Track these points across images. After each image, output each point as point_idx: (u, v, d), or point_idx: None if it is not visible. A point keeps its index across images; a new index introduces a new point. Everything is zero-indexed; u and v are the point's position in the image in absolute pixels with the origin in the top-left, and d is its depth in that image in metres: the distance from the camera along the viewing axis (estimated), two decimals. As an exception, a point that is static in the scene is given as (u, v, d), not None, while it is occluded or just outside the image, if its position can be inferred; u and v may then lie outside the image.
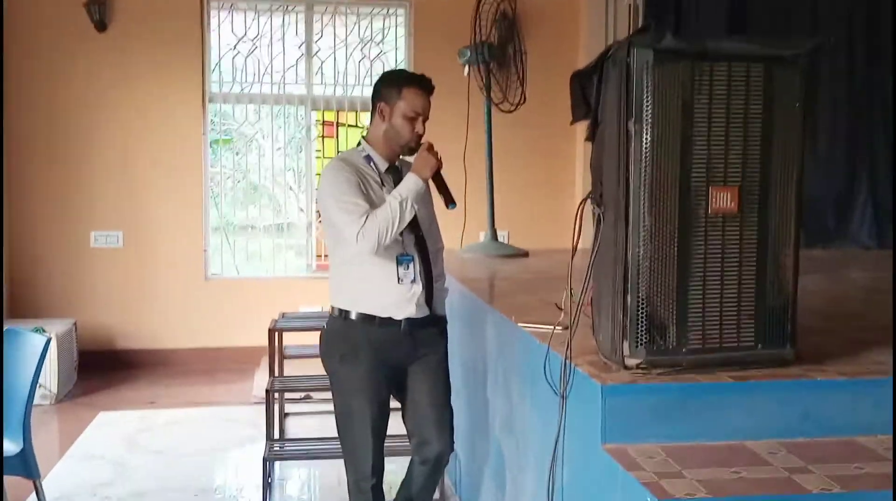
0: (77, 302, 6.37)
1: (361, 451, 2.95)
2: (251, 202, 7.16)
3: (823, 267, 4.73)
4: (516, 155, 6.42)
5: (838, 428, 2.16)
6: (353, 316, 2.92)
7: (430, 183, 2.95)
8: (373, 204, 2.84)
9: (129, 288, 6.49)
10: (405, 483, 3.24)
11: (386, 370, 2.96)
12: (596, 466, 2.12)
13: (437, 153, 2.89)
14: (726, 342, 2.21)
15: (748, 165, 2.17)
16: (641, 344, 2.16)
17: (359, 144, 3.05)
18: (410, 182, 2.83)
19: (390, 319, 2.91)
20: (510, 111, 5.24)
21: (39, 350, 3.21)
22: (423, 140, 2.93)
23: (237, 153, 7.09)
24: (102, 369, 6.25)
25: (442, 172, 2.93)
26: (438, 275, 3.09)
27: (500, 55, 5.22)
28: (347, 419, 2.97)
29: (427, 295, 2.97)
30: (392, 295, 2.90)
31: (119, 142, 6.42)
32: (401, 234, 2.86)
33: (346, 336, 2.95)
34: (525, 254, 5.24)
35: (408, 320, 2.92)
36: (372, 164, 2.96)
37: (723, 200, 2.16)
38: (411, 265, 2.91)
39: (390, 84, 2.96)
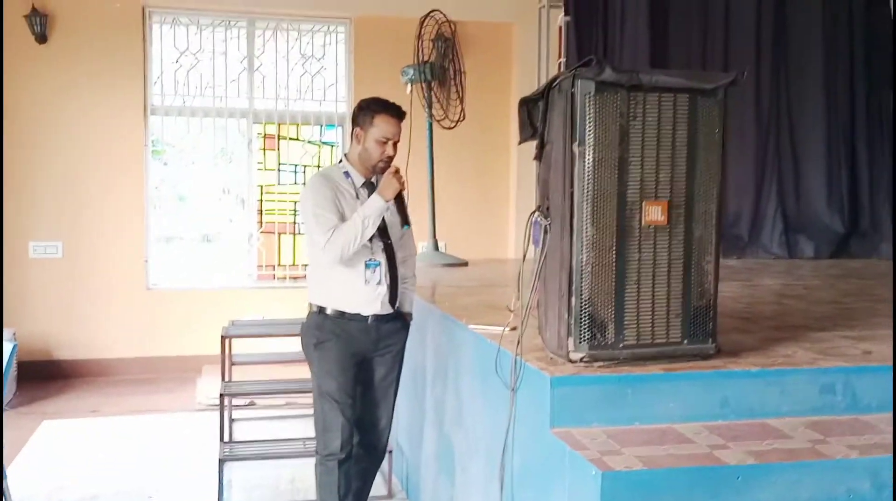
0: (15, 313, 6.34)
1: (332, 427, 3.25)
2: (190, 214, 7.22)
3: (739, 275, 5.14)
4: (456, 170, 6.66)
5: (752, 412, 2.47)
6: (328, 311, 3.26)
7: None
8: (346, 216, 3.14)
9: (68, 298, 6.50)
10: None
11: (354, 357, 3.27)
12: (545, 448, 2.37)
13: (401, 178, 3.19)
14: (657, 338, 2.50)
15: (675, 183, 2.47)
16: (584, 340, 2.43)
17: (340, 161, 3.36)
18: (373, 202, 3.13)
19: (359, 314, 3.23)
20: (450, 128, 5.51)
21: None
22: (392, 163, 3.22)
23: (167, 165, 7.14)
24: (42, 378, 6.25)
25: (404, 193, 3.23)
26: (405, 277, 3.39)
27: (440, 74, 5.47)
28: (321, 400, 3.28)
29: (392, 295, 3.29)
30: (360, 295, 3.23)
31: (60, 153, 6.43)
32: (370, 242, 3.16)
33: (321, 327, 3.27)
34: (465, 263, 5.51)
35: (374, 316, 3.24)
36: (350, 179, 3.26)
37: (654, 213, 2.45)
38: (377, 270, 3.23)
39: (365, 111, 3.25)
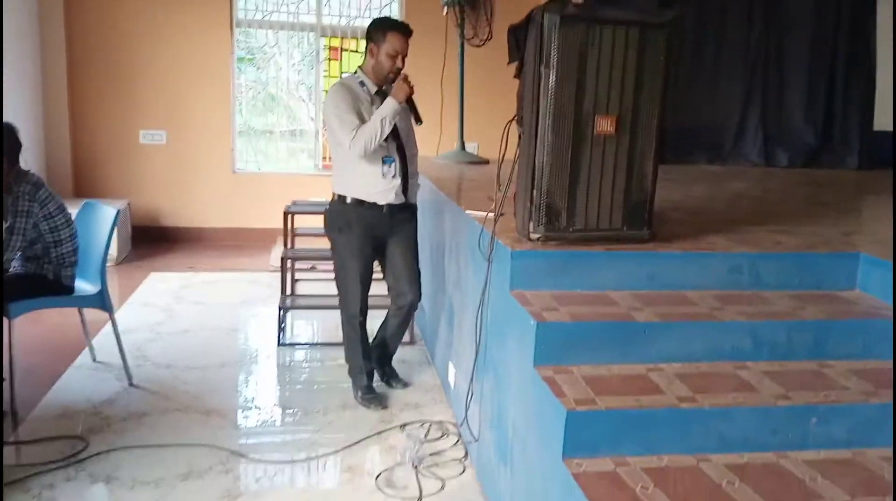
0: (130, 187, 6.77)
1: (352, 296, 3.50)
2: (269, 111, 7.46)
3: (714, 179, 5.19)
4: (485, 83, 6.65)
5: (673, 285, 2.66)
6: (348, 200, 3.41)
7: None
8: (363, 118, 3.26)
9: (171, 177, 6.88)
10: (382, 327, 3.80)
11: (371, 239, 3.46)
12: (505, 305, 2.61)
13: (410, 83, 3.28)
14: (601, 225, 2.67)
15: (624, 100, 2.58)
16: (542, 224, 2.62)
17: (356, 71, 3.44)
18: (388, 104, 3.24)
19: (375, 203, 3.39)
20: (479, 46, 5.51)
21: (111, 218, 3.64)
22: (401, 73, 3.31)
23: (258, 69, 7.34)
24: (151, 241, 6.72)
25: (414, 97, 3.33)
26: (413, 173, 3.53)
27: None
28: (343, 272, 3.51)
29: (403, 187, 3.44)
30: (378, 186, 3.38)
31: (163, 59, 6.67)
32: (385, 141, 3.29)
33: (343, 214, 3.44)
34: (486, 162, 5.65)
35: (388, 205, 3.41)
36: (365, 87, 3.37)
37: (605, 124, 2.58)
38: (393, 165, 3.37)
39: (378, 28, 3.32)
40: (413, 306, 3.71)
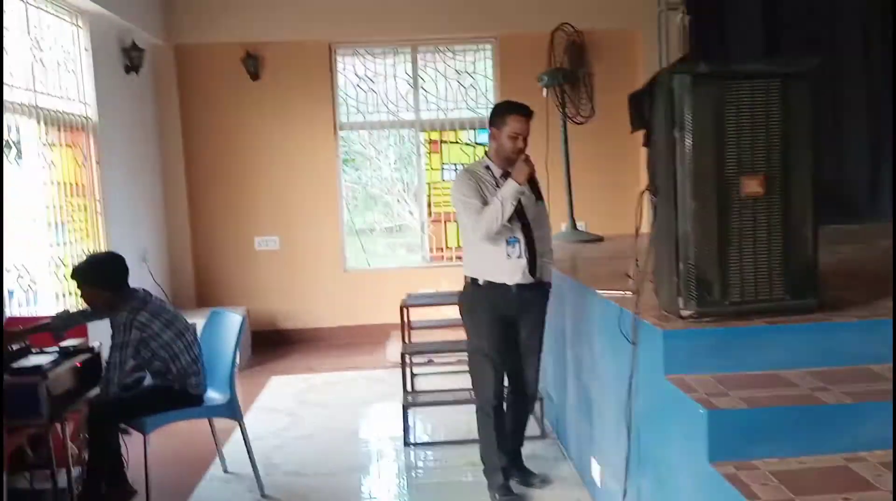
0: (247, 293, 6.92)
1: (486, 379, 3.35)
2: (368, 209, 7.54)
3: (857, 239, 4.76)
4: (590, 159, 6.54)
5: (854, 359, 2.33)
6: (479, 282, 3.34)
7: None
8: (487, 201, 3.21)
9: (286, 281, 6.99)
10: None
11: (500, 319, 3.33)
12: (661, 393, 2.35)
13: (531, 163, 3.21)
14: (761, 295, 2.41)
15: (771, 157, 2.36)
16: (693, 299, 2.39)
17: (482, 157, 3.42)
18: (508, 186, 3.18)
19: (504, 284, 3.29)
20: (582, 123, 5.44)
21: (237, 326, 3.65)
22: (523, 153, 3.24)
23: (358, 170, 7.50)
24: (270, 344, 6.79)
25: (536, 176, 3.25)
26: (544, 252, 3.40)
27: (571, 78, 5.41)
28: (475, 357, 3.39)
29: (531, 267, 3.31)
30: (504, 266, 3.29)
31: (272, 165, 6.91)
32: (509, 222, 3.21)
33: (474, 296, 3.37)
34: (600, 239, 5.45)
35: (517, 285, 3.29)
36: (490, 171, 3.33)
37: (753, 185, 2.37)
38: (517, 245, 3.27)
39: (499, 112, 3.31)
40: (534, 397, 3.59)
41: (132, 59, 5.92)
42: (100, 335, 3.80)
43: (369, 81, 7.09)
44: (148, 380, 3.54)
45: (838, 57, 5.66)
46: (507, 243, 3.26)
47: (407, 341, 5.06)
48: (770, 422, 2.01)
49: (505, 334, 3.36)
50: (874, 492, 1.77)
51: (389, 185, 7.41)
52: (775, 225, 2.40)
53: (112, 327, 3.33)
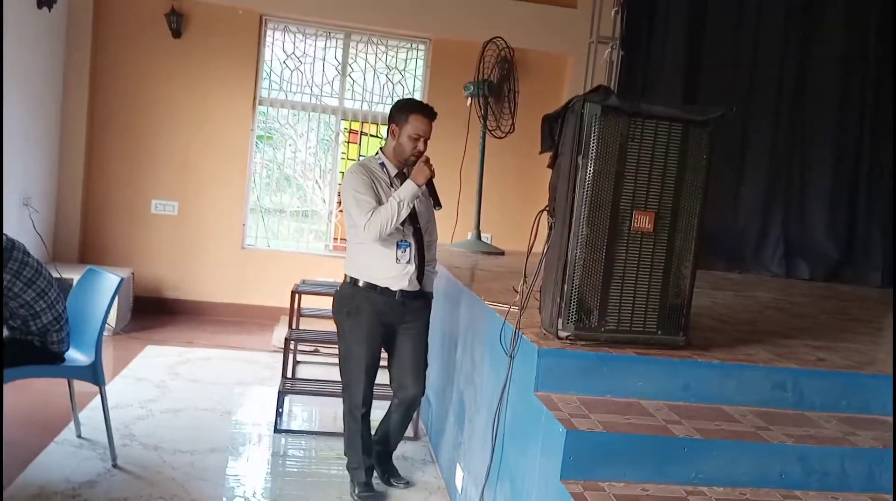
0: (136, 256, 6.65)
1: (356, 386, 3.26)
2: (281, 190, 7.40)
3: (736, 286, 5.04)
4: (503, 174, 6.68)
5: (710, 398, 2.46)
6: (360, 284, 3.22)
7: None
8: (381, 200, 3.12)
9: (179, 249, 6.77)
10: (384, 420, 3.56)
11: (381, 327, 3.26)
12: (528, 407, 2.41)
13: (431, 166, 3.16)
14: (635, 326, 2.49)
15: (663, 197, 2.46)
16: (571, 322, 2.45)
17: (376, 153, 3.32)
18: (407, 187, 3.11)
19: (388, 289, 3.21)
20: (501, 138, 5.51)
21: (113, 287, 3.47)
22: (423, 155, 3.20)
23: (275, 149, 7.34)
24: (152, 312, 6.54)
25: (434, 181, 3.21)
26: (430, 260, 3.36)
27: (497, 91, 5.48)
28: (348, 361, 3.28)
29: (418, 275, 3.26)
30: (391, 271, 3.20)
31: (181, 130, 6.69)
32: (402, 225, 3.14)
33: (353, 297, 3.25)
34: (501, 253, 5.54)
35: (401, 291, 3.22)
36: (384, 169, 3.24)
37: (642, 221, 2.45)
38: (408, 250, 3.20)
39: (401, 109, 3.22)
40: (416, 402, 3.49)
41: (46, -8, 5.60)
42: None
43: (297, 60, 6.96)
44: (6, 332, 3.31)
45: (751, 108, 5.99)
46: (398, 246, 3.17)
47: (294, 326, 4.97)
48: (622, 447, 2.09)
49: (382, 341, 3.29)
50: (705, 524, 1.87)
51: (306, 169, 7.27)
52: (658, 262, 2.49)
53: None
